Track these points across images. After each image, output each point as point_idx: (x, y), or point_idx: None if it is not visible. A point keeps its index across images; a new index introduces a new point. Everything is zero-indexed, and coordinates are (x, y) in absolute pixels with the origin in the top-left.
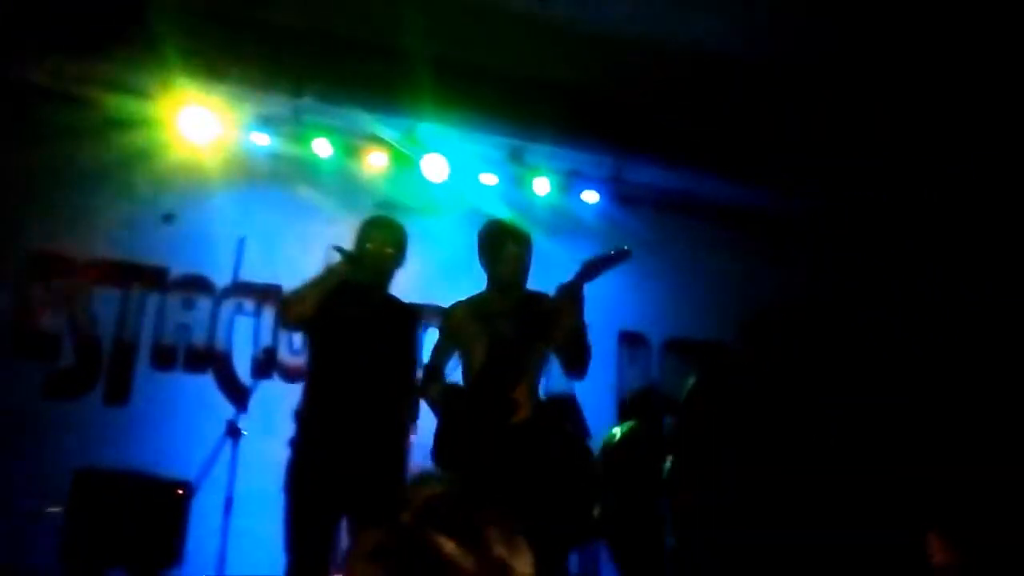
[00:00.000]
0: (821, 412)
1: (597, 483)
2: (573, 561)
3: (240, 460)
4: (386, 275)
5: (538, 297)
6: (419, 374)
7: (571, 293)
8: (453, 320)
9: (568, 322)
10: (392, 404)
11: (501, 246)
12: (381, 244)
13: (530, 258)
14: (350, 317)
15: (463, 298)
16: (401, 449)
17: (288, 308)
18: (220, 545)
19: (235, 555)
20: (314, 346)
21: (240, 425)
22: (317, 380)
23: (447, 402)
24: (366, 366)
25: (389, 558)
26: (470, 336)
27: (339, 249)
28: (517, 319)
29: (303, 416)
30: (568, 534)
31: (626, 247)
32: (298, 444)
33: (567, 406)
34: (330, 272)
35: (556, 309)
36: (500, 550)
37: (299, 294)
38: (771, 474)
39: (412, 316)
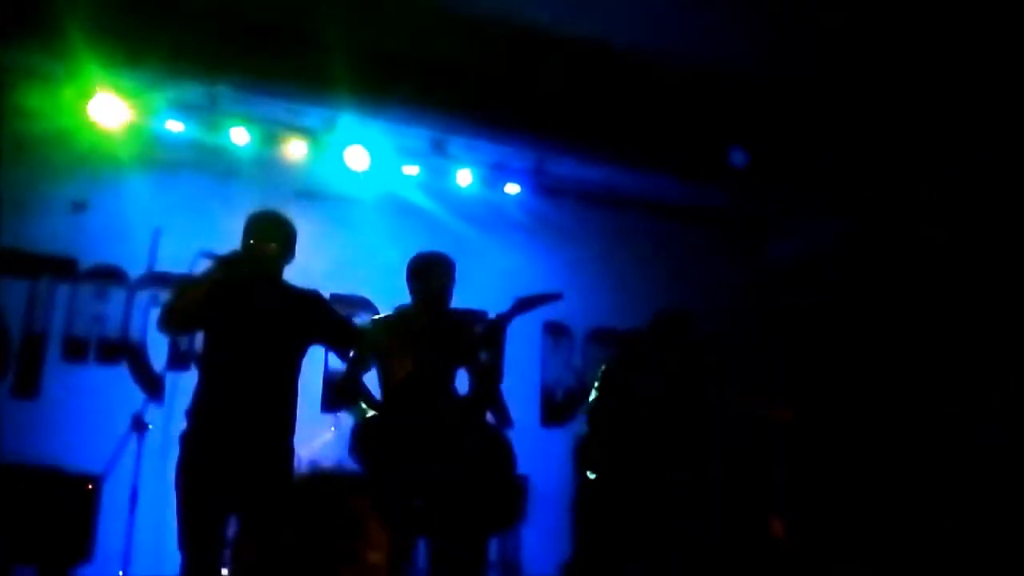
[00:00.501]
0: (712, 408)
1: (515, 472)
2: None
3: (155, 453)
4: (272, 269)
5: (458, 316)
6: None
7: (496, 330)
8: (374, 336)
9: (488, 361)
10: (282, 399)
11: (430, 277)
12: (264, 239)
13: (454, 284)
14: (234, 314)
15: (383, 314)
16: (290, 446)
17: (166, 319)
18: (127, 540)
19: (143, 550)
20: (204, 344)
21: (147, 418)
22: (205, 377)
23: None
24: (251, 362)
25: None
26: (392, 352)
27: (208, 255)
28: (440, 340)
29: (192, 412)
30: (488, 522)
31: (557, 292)
32: (187, 440)
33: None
34: (202, 278)
35: (480, 339)
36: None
37: (173, 306)
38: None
39: (312, 305)
